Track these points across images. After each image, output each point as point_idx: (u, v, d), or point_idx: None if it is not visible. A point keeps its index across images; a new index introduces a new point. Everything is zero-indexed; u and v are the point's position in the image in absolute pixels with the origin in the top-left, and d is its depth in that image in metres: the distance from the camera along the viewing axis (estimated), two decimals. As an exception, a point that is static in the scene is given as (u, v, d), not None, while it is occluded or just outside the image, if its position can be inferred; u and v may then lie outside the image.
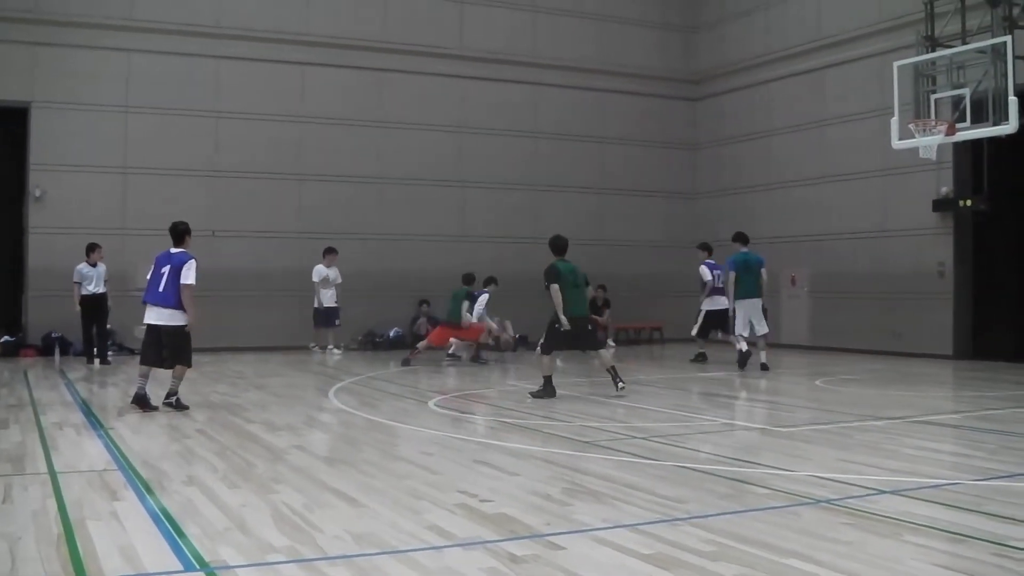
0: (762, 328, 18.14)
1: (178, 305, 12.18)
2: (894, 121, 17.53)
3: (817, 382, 16.50)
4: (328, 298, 22.36)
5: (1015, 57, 16.05)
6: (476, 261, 22.65)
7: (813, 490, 7.62)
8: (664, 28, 28.09)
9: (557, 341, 13.77)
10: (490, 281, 20.52)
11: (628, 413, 12.52)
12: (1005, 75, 15.86)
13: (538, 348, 14.44)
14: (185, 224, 12.70)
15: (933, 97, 17.34)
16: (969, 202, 20.44)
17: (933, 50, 17.55)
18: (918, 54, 17.61)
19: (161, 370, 12.44)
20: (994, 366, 19.03)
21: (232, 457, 9.18)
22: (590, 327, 14.41)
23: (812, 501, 7.25)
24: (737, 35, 26.97)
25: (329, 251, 22.47)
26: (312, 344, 22.85)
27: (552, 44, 26.38)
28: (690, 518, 6.72)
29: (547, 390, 13.60)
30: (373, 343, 23.58)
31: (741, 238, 18.68)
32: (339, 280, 22.41)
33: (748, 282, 18.05)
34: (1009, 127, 15.76)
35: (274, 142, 23.46)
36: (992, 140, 17.23)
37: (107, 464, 8.67)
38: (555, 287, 13.50)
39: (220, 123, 22.98)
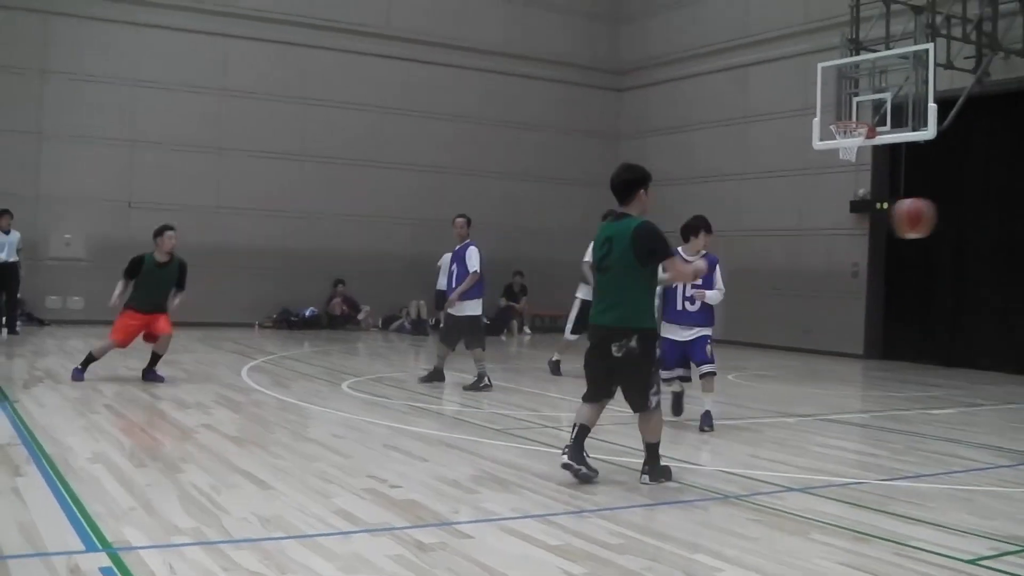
0: None
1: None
2: (816, 122, 17.66)
3: (730, 376, 16.63)
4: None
5: (936, 65, 16.30)
6: (392, 241, 22.55)
7: (722, 485, 7.67)
8: (590, 18, 28.00)
9: None
10: None
11: (539, 401, 12.53)
12: (926, 82, 16.05)
13: None
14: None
15: (855, 100, 17.50)
16: (885, 205, 20.67)
17: (857, 53, 17.73)
18: (842, 56, 17.76)
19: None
20: (902, 366, 19.30)
21: (139, 435, 9.04)
22: None
23: (721, 496, 7.30)
24: (663, 28, 27.00)
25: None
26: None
27: (475, 28, 26.17)
28: (598, 510, 6.73)
29: None
30: (288, 322, 23.33)
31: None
32: None
33: None
34: (928, 133, 15.97)
35: (194, 115, 23.01)
36: (911, 145, 17.45)
37: (11, 438, 8.45)
38: None
39: (139, 92, 22.44)
